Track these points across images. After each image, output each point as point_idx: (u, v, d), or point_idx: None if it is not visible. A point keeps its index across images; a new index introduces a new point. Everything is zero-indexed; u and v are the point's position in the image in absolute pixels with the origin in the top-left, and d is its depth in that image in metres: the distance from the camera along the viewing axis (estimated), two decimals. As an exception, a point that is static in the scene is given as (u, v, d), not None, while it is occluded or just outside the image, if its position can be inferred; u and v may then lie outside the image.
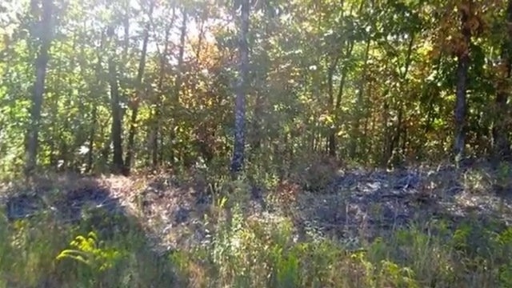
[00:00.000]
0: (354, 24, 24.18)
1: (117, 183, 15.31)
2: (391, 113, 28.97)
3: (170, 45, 27.45)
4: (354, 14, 26.90)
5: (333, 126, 25.29)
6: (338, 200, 12.02)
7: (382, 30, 24.30)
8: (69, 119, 25.93)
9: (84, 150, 25.82)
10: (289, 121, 24.82)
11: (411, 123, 27.88)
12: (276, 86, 23.80)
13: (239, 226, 8.11)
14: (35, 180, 15.14)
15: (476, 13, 19.03)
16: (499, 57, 22.98)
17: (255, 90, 23.11)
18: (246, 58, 19.20)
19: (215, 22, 28.22)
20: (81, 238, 6.93)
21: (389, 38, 26.64)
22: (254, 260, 7.34)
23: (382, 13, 23.86)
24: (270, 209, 11.14)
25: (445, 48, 20.44)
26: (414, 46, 28.29)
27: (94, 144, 26.86)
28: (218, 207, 8.78)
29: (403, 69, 27.51)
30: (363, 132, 30.46)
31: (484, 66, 22.07)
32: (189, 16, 26.90)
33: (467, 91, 21.21)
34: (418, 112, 27.38)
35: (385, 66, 29.45)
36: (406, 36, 26.86)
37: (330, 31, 25.13)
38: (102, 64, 25.41)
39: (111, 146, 26.51)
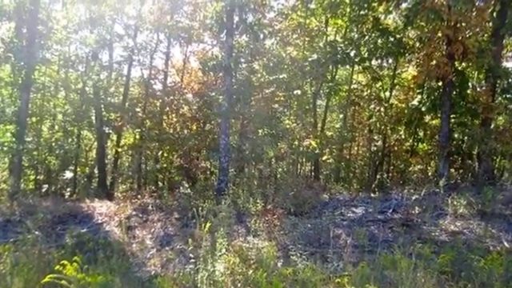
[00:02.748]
0: (339, 49, 24.25)
1: (101, 208, 15.27)
2: (375, 137, 28.99)
3: (155, 69, 27.40)
4: (338, 38, 27.07)
5: (317, 151, 25.27)
6: (322, 225, 12.04)
7: (366, 55, 24.42)
8: (53, 144, 25.68)
9: (68, 174, 25.63)
10: (273, 145, 24.72)
11: (395, 148, 27.91)
12: (260, 111, 23.83)
13: (223, 250, 8.10)
14: (19, 205, 15.05)
15: (460, 38, 19.22)
16: (483, 81, 22.99)
17: (239, 114, 23.15)
18: (230, 83, 19.29)
19: (199, 47, 28.24)
20: (65, 262, 6.90)
21: (373, 62, 26.78)
22: (239, 285, 7.32)
23: (367, 37, 24.04)
24: (254, 233, 11.11)
25: (429, 73, 20.52)
26: (399, 71, 28.46)
27: (78, 169, 26.65)
28: (203, 232, 8.77)
29: (387, 93, 27.63)
30: (347, 157, 30.43)
31: (468, 91, 22.11)
32: (173, 41, 26.90)
33: (451, 116, 21.32)
34: (403, 136, 27.37)
35: (369, 91, 29.58)
36: (390, 61, 26.94)
37: (315, 56, 25.12)
38: (87, 89, 25.28)
39: (95, 171, 26.34)
